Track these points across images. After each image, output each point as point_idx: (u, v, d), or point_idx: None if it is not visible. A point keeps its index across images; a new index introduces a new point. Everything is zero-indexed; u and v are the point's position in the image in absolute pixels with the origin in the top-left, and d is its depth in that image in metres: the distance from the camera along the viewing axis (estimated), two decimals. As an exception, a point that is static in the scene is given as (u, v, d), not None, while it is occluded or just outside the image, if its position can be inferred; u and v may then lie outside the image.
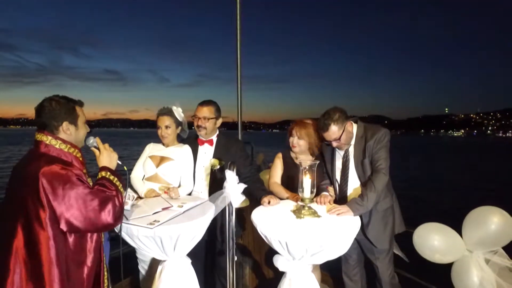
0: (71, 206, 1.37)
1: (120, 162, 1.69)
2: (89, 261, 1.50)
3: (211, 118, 2.39)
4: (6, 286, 1.34)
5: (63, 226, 1.38)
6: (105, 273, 1.62)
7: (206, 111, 2.38)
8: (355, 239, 2.21)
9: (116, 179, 1.57)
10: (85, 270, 1.49)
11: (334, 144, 2.17)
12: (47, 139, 1.50)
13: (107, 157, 1.62)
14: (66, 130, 1.54)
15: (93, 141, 1.65)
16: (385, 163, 2.11)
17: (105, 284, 1.62)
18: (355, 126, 2.21)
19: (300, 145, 2.38)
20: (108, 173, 1.57)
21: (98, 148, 1.65)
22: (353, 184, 2.24)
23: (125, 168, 1.73)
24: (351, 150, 2.22)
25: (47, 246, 1.35)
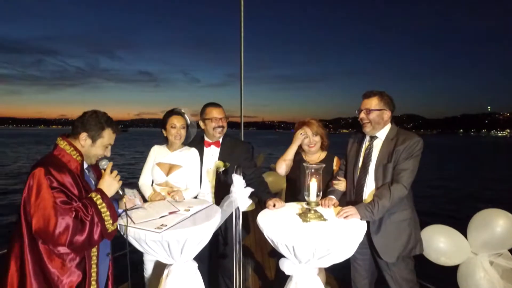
0: (38, 212, 1.37)
1: (121, 192, 1.68)
2: (66, 274, 1.43)
3: (226, 118, 2.49)
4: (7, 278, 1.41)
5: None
6: None
7: (223, 112, 2.49)
8: (368, 247, 2.16)
9: (104, 205, 1.52)
10: (60, 284, 1.42)
11: (361, 115, 2.12)
12: (62, 143, 1.58)
13: (107, 183, 1.62)
14: (82, 140, 1.61)
15: (105, 163, 1.69)
16: (409, 176, 1.97)
17: None
18: (389, 125, 2.15)
19: (317, 141, 2.46)
20: (98, 195, 1.54)
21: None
22: (371, 186, 2.11)
23: (124, 200, 1.70)
24: (377, 145, 2.14)
25: (24, 244, 1.39)
